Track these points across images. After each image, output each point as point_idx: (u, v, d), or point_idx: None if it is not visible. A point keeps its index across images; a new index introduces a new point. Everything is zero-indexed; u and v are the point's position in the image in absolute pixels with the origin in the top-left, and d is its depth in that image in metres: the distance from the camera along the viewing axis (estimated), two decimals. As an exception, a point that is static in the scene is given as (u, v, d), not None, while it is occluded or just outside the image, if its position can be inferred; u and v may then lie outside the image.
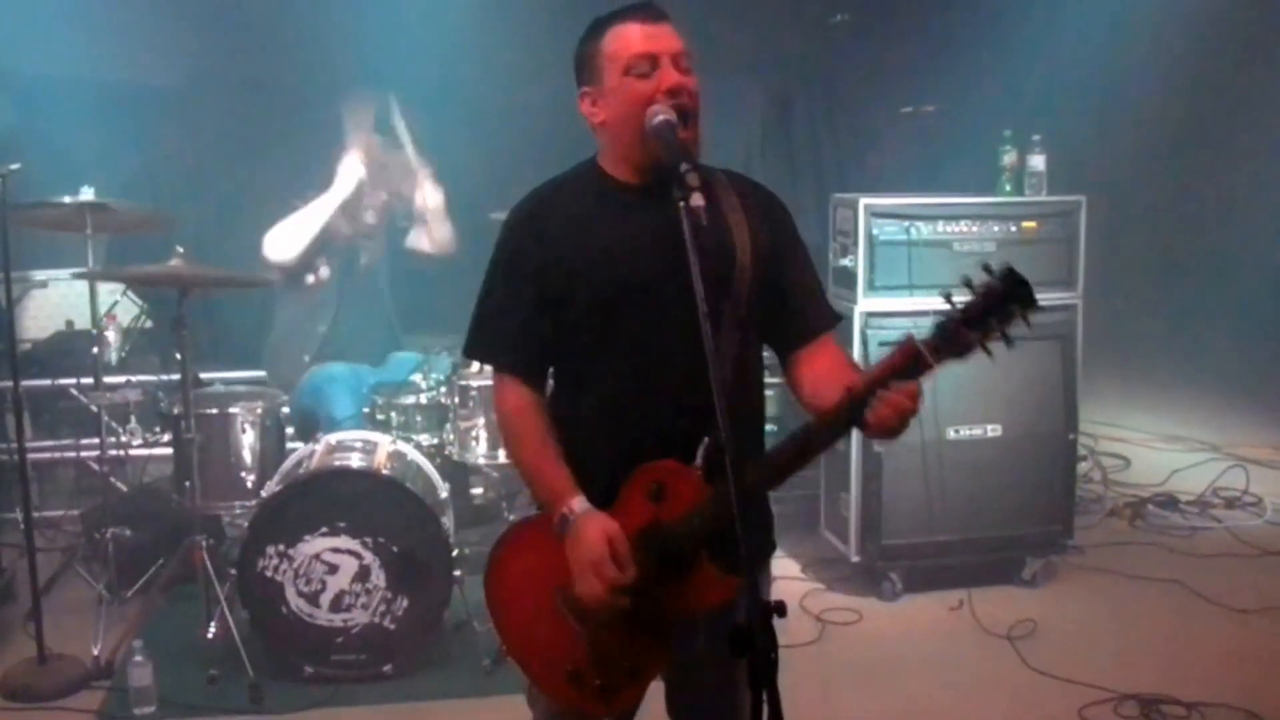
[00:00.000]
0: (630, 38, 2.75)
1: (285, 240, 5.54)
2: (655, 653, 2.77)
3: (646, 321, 2.75)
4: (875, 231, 5.62)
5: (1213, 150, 8.41)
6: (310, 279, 5.64)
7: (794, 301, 2.87)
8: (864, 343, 5.60)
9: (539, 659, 2.84)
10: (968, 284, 2.44)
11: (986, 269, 2.44)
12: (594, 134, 2.87)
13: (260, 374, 6.00)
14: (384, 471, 4.91)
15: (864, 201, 5.64)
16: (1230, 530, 6.62)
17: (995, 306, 2.41)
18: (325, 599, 4.80)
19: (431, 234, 5.83)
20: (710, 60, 7.71)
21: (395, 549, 4.80)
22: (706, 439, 2.63)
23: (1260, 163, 8.21)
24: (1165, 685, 4.84)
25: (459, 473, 5.76)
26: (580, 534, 2.66)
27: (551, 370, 2.90)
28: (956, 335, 2.43)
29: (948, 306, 2.44)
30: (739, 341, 2.76)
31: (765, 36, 8.17)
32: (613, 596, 2.63)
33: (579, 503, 2.70)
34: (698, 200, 2.52)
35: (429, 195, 5.80)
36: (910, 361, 2.48)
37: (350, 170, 5.62)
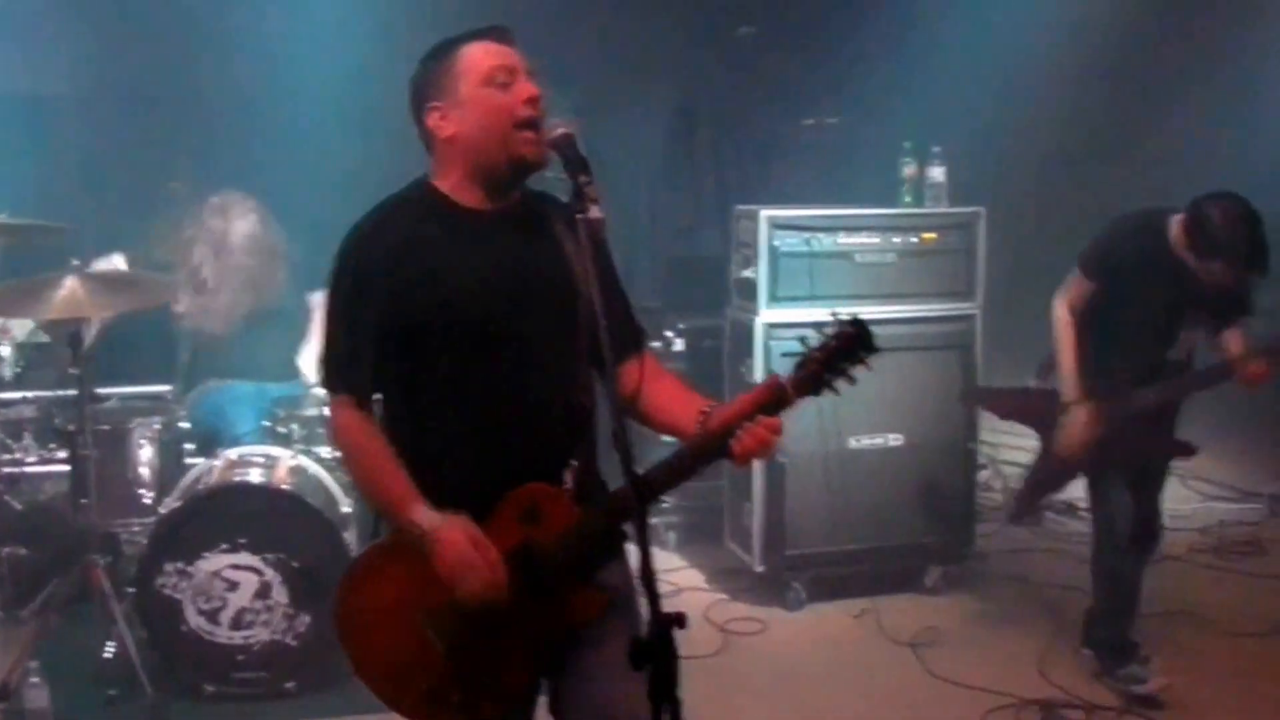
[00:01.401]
0: (488, 51, 2.82)
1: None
2: (518, 670, 2.82)
3: (506, 348, 2.80)
4: (777, 243, 5.66)
5: (1109, 162, 8.58)
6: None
7: (615, 319, 2.81)
8: (766, 354, 5.63)
9: (394, 680, 2.84)
10: (821, 330, 2.71)
11: (836, 318, 2.71)
12: (434, 151, 2.88)
13: (160, 389, 5.90)
14: (284, 486, 4.86)
15: (765, 213, 5.67)
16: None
17: (847, 351, 2.69)
18: (225, 616, 4.74)
19: None
20: (615, 71, 7.83)
21: (296, 565, 4.75)
22: (575, 462, 2.76)
23: (1154, 174, 8.36)
24: (1065, 690, 4.93)
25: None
26: (444, 539, 2.68)
27: (407, 395, 2.86)
28: (816, 376, 2.69)
29: (804, 350, 2.71)
30: (582, 361, 2.87)
31: (670, 48, 8.20)
32: (492, 593, 2.67)
33: (428, 514, 2.71)
34: (596, 213, 2.57)
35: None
36: (776, 398, 2.70)
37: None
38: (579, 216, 2.59)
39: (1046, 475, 5.28)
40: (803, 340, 2.74)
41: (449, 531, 2.68)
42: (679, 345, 6.55)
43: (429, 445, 2.82)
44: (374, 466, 2.82)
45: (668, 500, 6.54)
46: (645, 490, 2.64)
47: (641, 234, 8.14)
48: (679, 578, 6.20)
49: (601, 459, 2.92)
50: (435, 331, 2.79)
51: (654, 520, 6.55)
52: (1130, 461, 4.92)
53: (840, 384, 2.71)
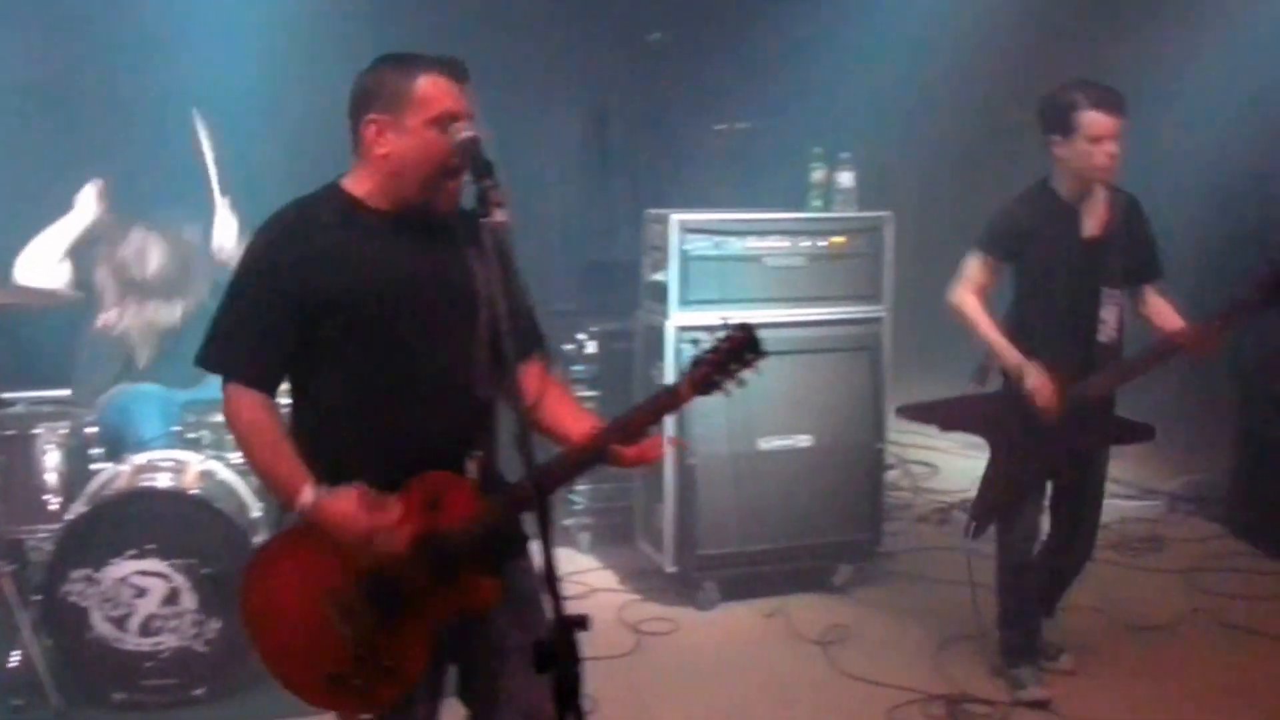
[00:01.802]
0: (445, 91, 2.91)
1: (32, 262, 5.49)
2: (416, 654, 2.94)
3: (405, 343, 2.92)
4: (687, 247, 5.68)
5: (1014, 168, 8.69)
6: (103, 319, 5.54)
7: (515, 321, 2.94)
8: (677, 356, 5.66)
9: (298, 667, 2.97)
10: (713, 334, 2.92)
11: (726, 323, 2.91)
12: (359, 153, 2.97)
13: (66, 393, 5.83)
14: (192, 492, 4.83)
15: (676, 217, 5.70)
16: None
17: (737, 354, 2.87)
18: (134, 623, 4.70)
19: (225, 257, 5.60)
20: (528, 75, 7.84)
21: (205, 570, 4.72)
22: (477, 453, 2.91)
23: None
24: (971, 685, 5.02)
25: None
26: (333, 508, 2.83)
27: (314, 387, 2.99)
28: (707, 377, 2.88)
29: (697, 353, 2.91)
30: (482, 360, 2.99)
31: (583, 53, 8.23)
32: (396, 537, 2.81)
33: (310, 490, 2.84)
34: (501, 217, 2.65)
35: (224, 230, 5.63)
36: (671, 398, 2.91)
37: (84, 204, 5.57)
38: (483, 220, 2.66)
39: (1004, 482, 4.97)
40: (695, 343, 2.93)
41: (335, 500, 2.83)
42: (591, 348, 6.56)
43: (335, 434, 2.95)
44: (265, 449, 2.92)
45: (580, 502, 6.57)
46: (544, 482, 2.75)
47: (556, 238, 8.15)
48: (592, 579, 6.23)
49: (503, 460, 3.03)
50: (338, 325, 2.90)
51: (568, 522, 6.59)
52: (1070, 462, 4.85)
53: (729, 385, 2.89)
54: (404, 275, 2.94)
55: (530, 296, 3.14)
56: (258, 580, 3.02)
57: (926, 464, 8.08)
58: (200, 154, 5.64)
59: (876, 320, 6.00)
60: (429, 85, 2.90)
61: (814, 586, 6.02)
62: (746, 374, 2.89)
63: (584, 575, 6.24)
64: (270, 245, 2.95)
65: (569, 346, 6.61)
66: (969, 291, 4.83)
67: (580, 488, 6.58)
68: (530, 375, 3.09)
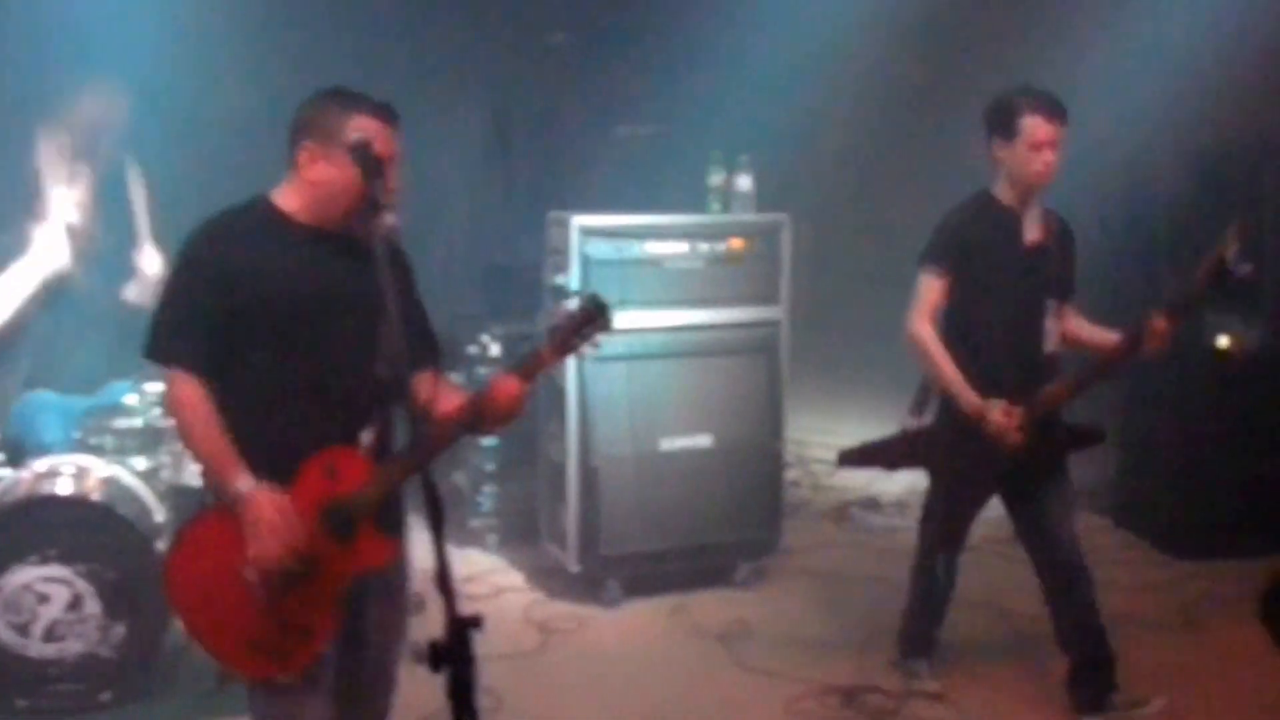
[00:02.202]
0: (378, 134, 3.18)
1: None
2: (326, 615, 3.24)
3: (319, 338, 3.25)
4: (588, 250, 5.74)
5: (909, 175, 8.91)
6: None
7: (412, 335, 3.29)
8: (579, 359, 5.69)
9: (219, 634, 3.25)
10: (567, 306, 3.43)
11: (579, 294, 3.39)
12: (294, 174, 3.26)
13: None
14: (95, 497, 4.81)
15: (577, 220, 5.76)
16: (927, 528, 6.97)
17: (589, 322, 3.29)
18: (37, 629, 4.67)
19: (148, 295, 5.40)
20: (430, 79, 7.87)
21: (108, 575, 4.71)
22: (372, 428, 3.29)
23: (949, 187, 8.69)
24: (867, 676, 5.13)
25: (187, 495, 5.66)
26: (254, 504, 3.13)
27: (233, 375, 3.25)
28: (566, 341, 3.29)
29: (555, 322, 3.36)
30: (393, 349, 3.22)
31: (486, 55, 8.28)
32: (288, 553, 3.12)
33: (247, 480, 3.15)
34: (390, 219, 2.91)
35: (149, 260, 5.51)
36: (535, 362, 3.31)
37: (49, 248, 5.24)
38: (373, 223, 2.89)
39: (953, 512, 4.83)
40: (551, 314, 3.38)
41: (261, 496, 3.13)
42: (495, 350, 6.61)
43: (245, 423, 3.22)
44: (205, 436, 3.22)
45: (487, 504, 6.63)
46: (427, 443, 3.21)
47: (459, 241, 8.19)
48: (499, 579, 6.29)
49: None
50: (257, 326, 3.22)
51: (474, 523, 6.66)
52: (1024, 473, 4.68)
53: (586, 348, 3.32)
54: (319, 287, 3.26)
55: (423, 307, 3.49)
56: (183, 556, 3.31)
57: (826, 462, 8.20)
58: (130, 200, 5.55)
59: (774, 322, 6.10)
60: (362, 125, 3.17)
61: (715, 583, 6.11)
62: (598, 338, 3.32)
63: (491, 575, 6.31)
64: (204, 247, 3.25)
65: (473, 349, 6.66)
66: (926, 319, 4.66)
67: (486, 489, 6.65)
68: (425, 381, 3.41)
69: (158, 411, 5.27)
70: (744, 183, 6.06)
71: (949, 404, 4.65)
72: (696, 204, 6.14)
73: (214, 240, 3.25)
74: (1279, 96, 7.19)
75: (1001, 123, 4.62)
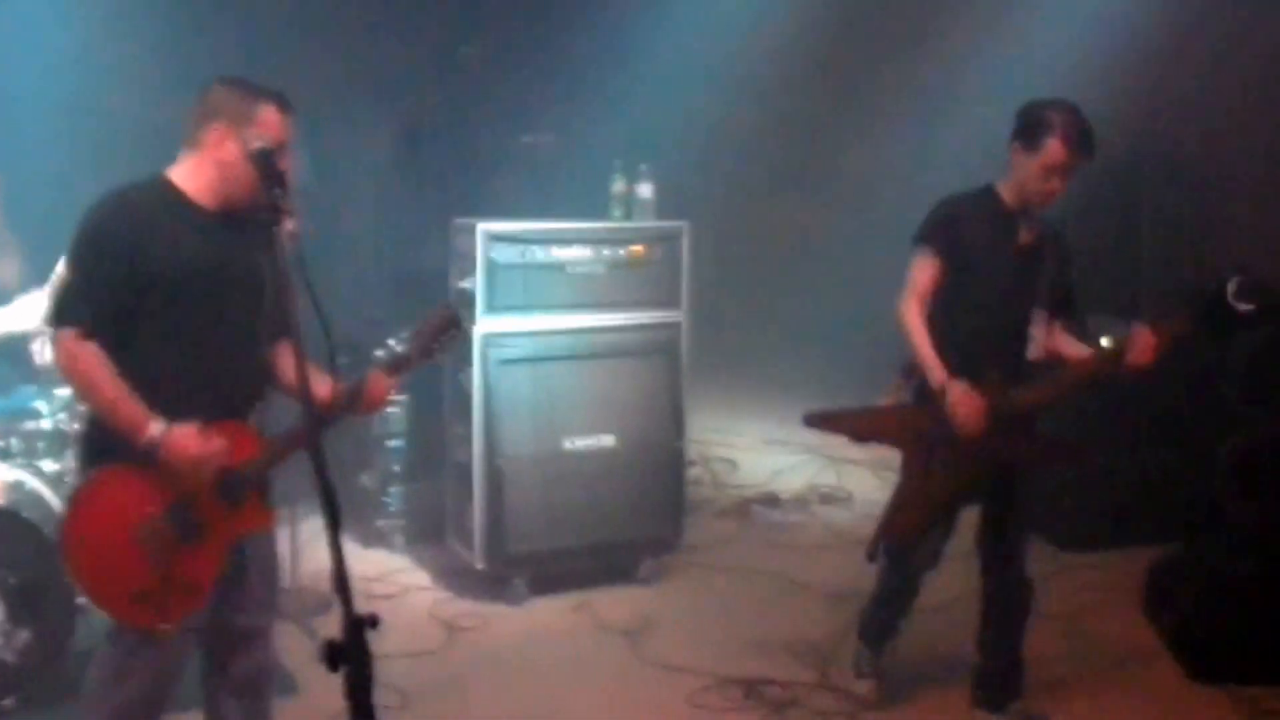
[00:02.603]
0: (280, 123, 3.49)
1: None
2: (209, 571, 3.53)
3: (205, 316, 3.51)
4: (493, 255, 5.83)
5: (804, 181, 9.11)
6: None
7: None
8: (484, 362, 5.83)
9: (107, 586, 3.49)
10: (427, 313, 3.82)
11: (439, 303, 4.02)
12: (196, 150, 3.49)
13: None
14: (-2, 502, 4.79)
15: (482, 226, 5.84)
16: (824, 523, 7.17)
17: (444, 329, 3.78)
18: (-60, 635, 4.64)
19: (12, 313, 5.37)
20: (339, 87, 7.92)
21: (12, 580, 4.69)
22: (259, 405, 3.64)
23: (844, 195, 8.95)
24: (766, 668, 5.26)
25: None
26: (179, 436, 3.38)
27: (133, 345, 3.45)
28: (426, 346, 3.76)
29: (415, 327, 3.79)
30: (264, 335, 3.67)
31: (396, 64, 8.33)
32: (213, 460, 3.41)
33: (158, 425, 3.37)
34: (290, 224, 3.11)
35: (9, 273, 5.47)
36: (400, 363, 3.77)
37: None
38: (274, 228, 3.10)
39: (920, 499, 4.63)
40: (413, 322, 3.82)
41: (177, 433, 3.37)
42: (451, 345, 6.64)
43: (143, 389, 3.41)
44: (108, 390, 3.40)
45: (393, 503, 6.68)
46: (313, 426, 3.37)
47: (367, 247, 8.22)
48: (405, 578, 6.35)
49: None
50: (156, 299, 3.43)
51: (381, 523, 6.70)
52: (992, 480, 4.64)
53: (442, 355, 3.83)
54: (215, 266, 3.50)
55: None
56: (76, 513, 3.53)
57: (728, 460, 8.39)
58: None
59: (674, 325, 6.22)
60: (270, 115, 3.47)
61: (619, 580, 6.22)
62: (454, 344, 3.83)
63: (397, 575, 6.36)
64: (105, 220, 3.43)
65: (380, 353, 6.69)
66: (914, 300, 4.55)
67: (393, 490, 6.70)
68: (284, 353, 3.68)
69: (65, 415, 5.26)
70: (645, 190, 6.17)
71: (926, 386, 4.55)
72: (599, 210, 6.23)
73: (117, 214, 3.44)
74: (1156, 108, 7.48)
75: (1028, 131, 4.48)
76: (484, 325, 5.85)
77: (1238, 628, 5.27)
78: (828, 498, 7.75)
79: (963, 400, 4.40)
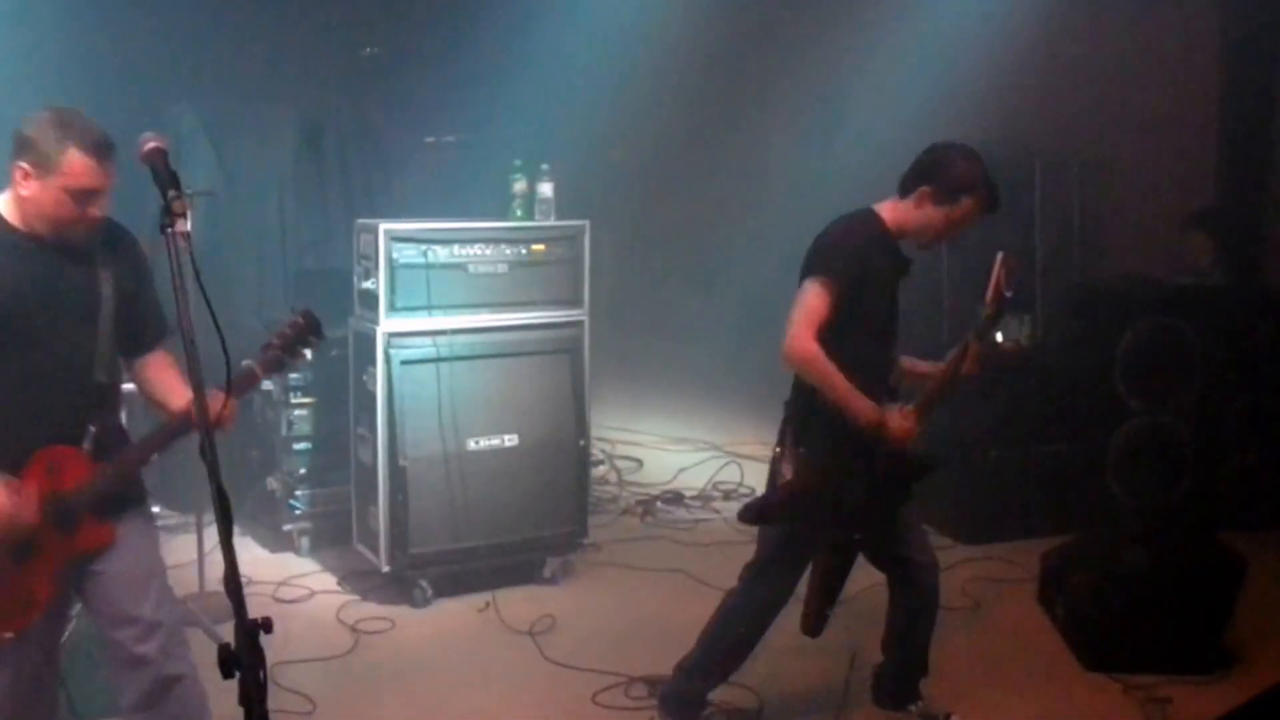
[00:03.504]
0: (87, 170, 3.41)
1: None
2: (45, 586, 3.57)
3: (38, 341, 3.51)
4: (395, 255, 5.82)
5: (706, 182, 9.19)
6: None
7: (137, 320, 3.75)
8: (387, 362, 5.82)
9: None
10: (280, 320, 3.81)
11: (293, 311, 3.77)
12: (10, 187, 3.48)
13: None
14: None
15: (384, 226, 5.83)
16: (727, 520, 7.16)
17: (301, 338, 3.70)
18: None
19: None
20: (244, 87, 7.88)
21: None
22: (93, 428, 3.60)
23: (743, 195, 9.03)
24: (671, 666, 5.09)
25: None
26: None
27: None
28: (278, 358, 3.70)
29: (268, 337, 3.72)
30: (109, 352, 3.67)
31: (299, 65, 8.30)
32: (19, 523, 3.45)
33: None
34: (182, 226, 2.97)
35: None
36: (247, 377, 3.67)
37: None
38: (167, 231, 2.95)
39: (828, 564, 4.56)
40: (268, 328, 3.77)
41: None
42: (306, 355, 6.62)
43: None
44: None
45: (299, 507, 6.64)
46: (141, 450, 3.71)
47: (272, 247, 8.19)
48: (311, 581, 6.32)
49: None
50: None
51: (287, 527, 6.66)
52: (880, 508, 4.55)
53: (296, 363, 3.77)
54: (38, 292, 3.49)
55: (154, 292, 3.80)
56: None
57: (633, 459, 8.43)
58: None
59: (577, 323, 6.26)
60: (73, 162, 3.39)
61: (524, 579, 6.25)
62: (309, 352, 3.72)
63: (303, 578, 6.34)
64: None
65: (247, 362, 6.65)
66: (812, 336, 4.30)
67: (300, 493, 6.67)
68: (155, 360, 3.80)
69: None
70: (546, 189, 6.19)
71: (824, 435, 4.40)
72: (500, 210, 6.24)
73: None
74: (1046, 107, 7.64)
75: (944, 184, 4.40)
76: (387, 326, 5.85)
77: (1128, 617, 5.38)
78: (730, 494, 7.80)
79: (902, 424, 4.34)
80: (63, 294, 3.55)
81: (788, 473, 4.47)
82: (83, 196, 3.43)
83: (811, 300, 4.33)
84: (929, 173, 4.44)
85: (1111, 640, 5.40)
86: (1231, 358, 6.75)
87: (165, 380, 3.77)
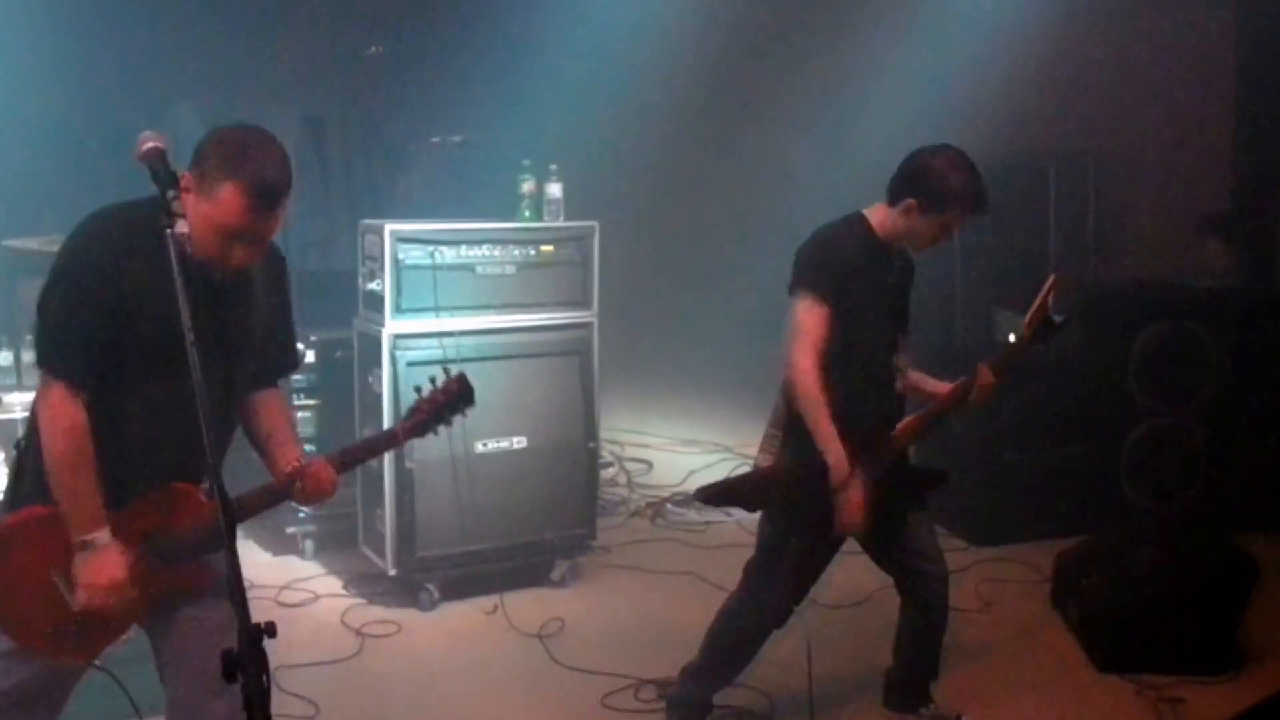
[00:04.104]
0: (244, 209, 3.05)
1: None
2: (132, 615, 3.34)
3: (178, 370, 3.00)
4: (401, 256, 5.78)
5: (716, 182, 9.15)
6: None
7: (269, 352, 3.48)
8: (393, 364, 5.78)
9: (24, 623, 3.26)
10: (433, 381, 3.49)
11: (446, 371, 3.51)
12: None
13: None
14: None
15: (390, 227, 5.80)
16: (738, 523, 7.08)
17: (452, 405, 3.48)
18: None
19: None
20: (248, 86, 7.83)
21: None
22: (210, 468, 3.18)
23: (755, 197, 8.98)
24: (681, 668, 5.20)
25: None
26: (99, 562, 3.17)
27: (99, 393, 3.18)
28: (424, 423, 3.49)
29: (417, 397, 3.49)
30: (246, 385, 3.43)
31: (303, 63, 8.26)
32: (112, 608, 3.20)
33: (104, 535, 3.17)
34: (181, 228, 2.79)
35: None
36: (389, 441, 3.59)
37: None
38: (166, 231, 2.78)
39: (808, 558, 4.55)
40: (418, 390, 3.50)
41: (107, 560, 3.16)
42: (310, 357, 6.59)
43: (100, 434, 3.17)
44: (82, 477, 3.16)
45: (303, 510, 6.60)
46: (238, 511, 3.09)
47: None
48: (316, 584, 6.28)
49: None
50: (133, 347, 3.15)
51: (291, 530, 6.61)
52: (884, 518, 4.49)
53: (440, 429, 3.50)
54: (198, 312, 3.06)
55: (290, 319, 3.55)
56: None
57: (642, 461, 8.38)
58: None
59: (585, 325, 6.22)
60: (234, 196, 3.05)
61: (532, 582, 6.21)
62: (456, 419, 3.48)
63: (308, 582, 6.29)
64: (97, 253, 3.14)
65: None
66: (812, 355, 4.25)
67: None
68: (267, 402, 3.52)
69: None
70: (554, 190, 6.15)
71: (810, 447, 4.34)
72: (507, 211, 6.20)
73: (117, 246, 3.13)
74: (1061, 109, 7.59)
75: (930, 194, 4.31)
76: (393, 327, 5.82)
77: (1141, 618, 5.35)
78: (741, 496, 7.71)
79: (854, 502, 4.28)
80: (220, 321, 3.12)
81: (764, 462, 4.51)
82: (230, 234, 3.10)
83: (805, 320, 4.29)
84: (913, 184, 4.35)
85: (1125, 641, 5.38)
86: (1245, 360, 6.72)
87: (276, 429, 3.51)
